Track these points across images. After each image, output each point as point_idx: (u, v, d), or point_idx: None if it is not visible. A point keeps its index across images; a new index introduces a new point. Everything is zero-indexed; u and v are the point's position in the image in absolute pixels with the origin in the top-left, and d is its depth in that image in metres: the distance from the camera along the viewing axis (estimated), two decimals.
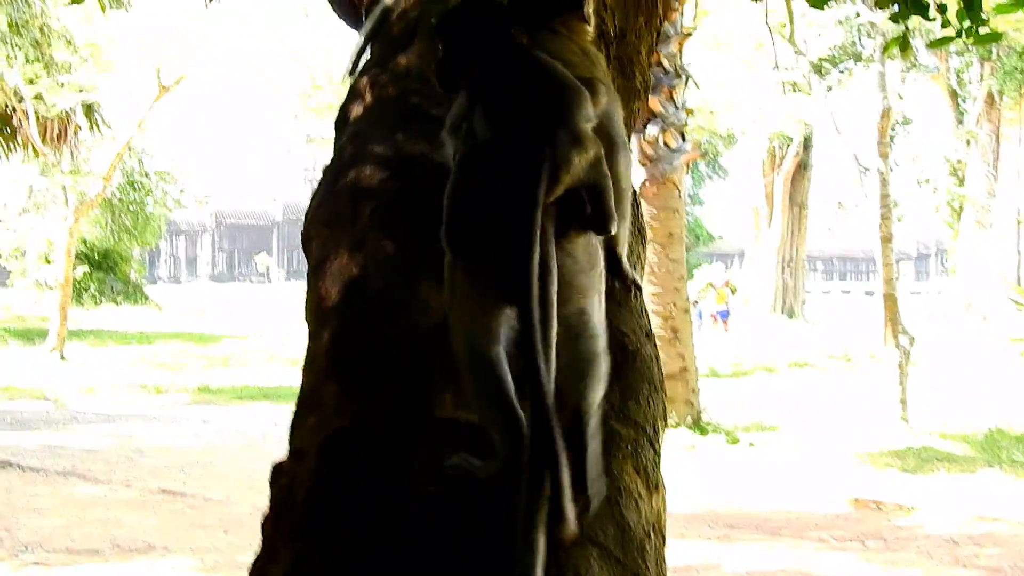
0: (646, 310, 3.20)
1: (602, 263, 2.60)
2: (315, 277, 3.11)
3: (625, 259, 3.02)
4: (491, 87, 2.62)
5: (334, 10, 4.42)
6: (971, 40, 6.18)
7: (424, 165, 2.93)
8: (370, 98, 3.43)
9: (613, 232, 2.59)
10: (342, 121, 3.51)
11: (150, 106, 28.12)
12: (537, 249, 2.33)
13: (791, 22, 20.71)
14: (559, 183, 2.41)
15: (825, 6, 6.05)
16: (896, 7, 6.07)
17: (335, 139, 3.52)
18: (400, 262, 2.93)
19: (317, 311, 3.06)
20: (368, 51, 3.69)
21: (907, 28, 6.34)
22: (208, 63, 29.23)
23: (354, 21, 4.26)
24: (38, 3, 25.85)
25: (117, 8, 9.92)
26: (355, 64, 3.67)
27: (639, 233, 3.36)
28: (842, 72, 38.83)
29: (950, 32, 6.24)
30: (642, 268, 3.38)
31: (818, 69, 32.38)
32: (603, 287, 2.58)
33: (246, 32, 30.58)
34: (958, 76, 41.00)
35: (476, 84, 2.65)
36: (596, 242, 2.57)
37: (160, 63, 27.58)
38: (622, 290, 3.02)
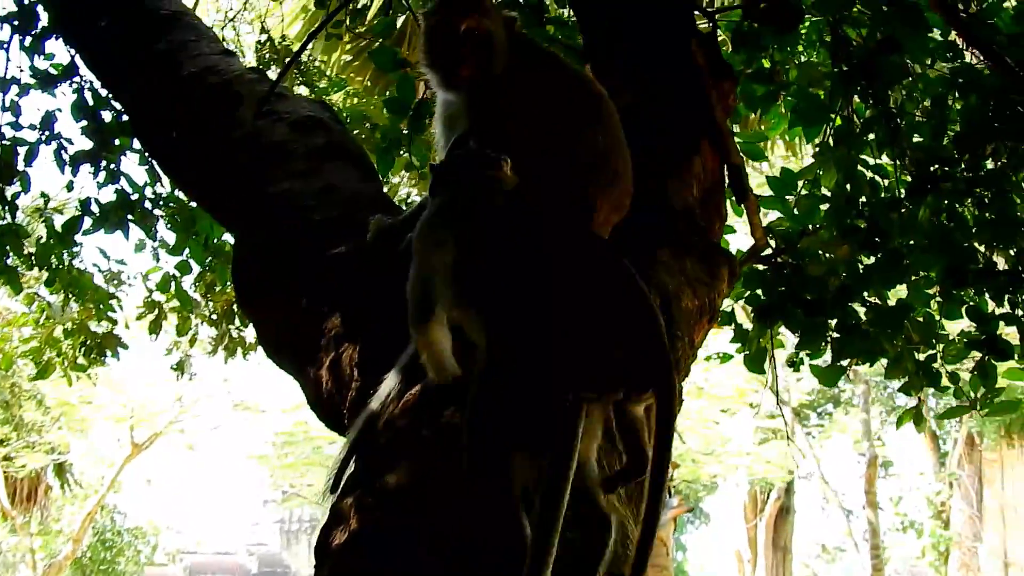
0: None
1: None
2: None
3: None
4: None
5: (314, 412, 4.02)
6: (985, 412, 5.89)
7: None
8: (355, 524, 2.98)
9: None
10: (322, 550, 3.04)
11: (123, 465, 27.65)
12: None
13: (773, 371, 20.59)
14: None
15: (835, 383, 5.76)
16: (907, 378, 5.76)
17: (315, 568, 3.06)
18: None
19: None
20: (352, 464, 3.27)
21: (920, 399, 6.03)
22: (182, 420, 28.97)
23: (335, 424, 3.87)
24: None
25: (87, 374, 9.63)
26: (337, 479, 3.24)
27: None
28: (821, 416, 38.77)
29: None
30: None
31: (797, 414, 32.31)
32: None
33: (221, 391, 30.45)
34: (938, 418, 40.93)
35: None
36: None
37: (134, 422, 27.31)
38: None
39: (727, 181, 4.77)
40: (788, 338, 6.32)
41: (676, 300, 3.96)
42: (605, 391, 2.89)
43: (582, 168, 3.70)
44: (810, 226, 5.56)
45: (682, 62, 4.58)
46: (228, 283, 8.68)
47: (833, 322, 5.48)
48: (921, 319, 5.70)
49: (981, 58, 5.41)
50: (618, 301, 3.01)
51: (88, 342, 8.92)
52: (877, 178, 5.78)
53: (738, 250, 5.35)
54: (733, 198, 4.94)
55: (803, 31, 5.88)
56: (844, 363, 5.59)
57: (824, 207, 5.55)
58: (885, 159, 5.90)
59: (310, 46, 8.16)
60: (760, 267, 5.48)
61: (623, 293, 3.03)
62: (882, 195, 5.66)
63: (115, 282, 8.95)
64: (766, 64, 5.87)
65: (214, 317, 9.41)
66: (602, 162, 3.75)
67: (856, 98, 5.65)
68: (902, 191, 5.61)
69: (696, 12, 5.08)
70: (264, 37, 9.63)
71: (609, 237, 3.80)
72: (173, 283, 7.96)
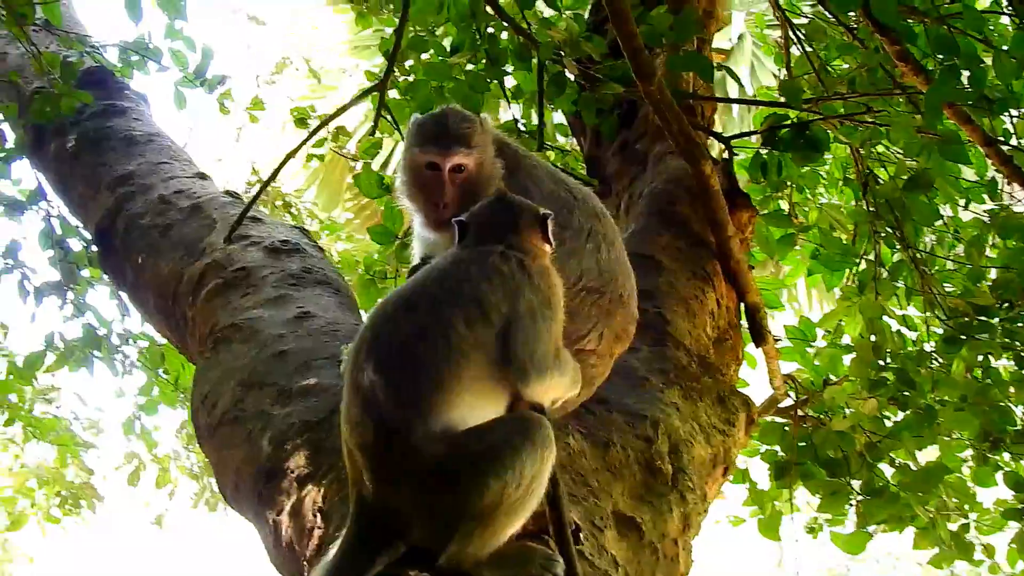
0: None
1: None
2: None
3: None
4: None
5: (272, 563, 3.54)
6: None
7: None
8: None
9: None
10: None
11: None
12: None
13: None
14: None
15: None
16: (937, 549, 5.27)
17: None
18: None
19: None
20: None
21: (952, 573, 5.54)
22: None
23: None
24: None
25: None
26: None
27: None
28: None
29: None
30: None
31: None
32: None
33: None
34: None
35: None
36: None
37: None
38: None
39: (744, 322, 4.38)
40: (800, 500, 5.89)
41: (687, 447, 3.53)
42: None
43: (583, 290, 3.29)
44: (832, 376, 5.13)
45: (698, 186, 4.19)
46: None
47: (857, 484, 4.99)
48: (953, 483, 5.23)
49: None
50: None
51: (63, 492, 8.45)
52: (903, 329, 5.37)
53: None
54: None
55: (824, 169, 5.50)
56: (870, 529, 5.08)
57: (848, 357, 5.12)
58: (911, 309, 5.50)
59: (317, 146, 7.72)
60: (779, 420, 5.02)
61: None
62: (910, 346, 5.23)
63: (93, 430, 8.50)
64: (784, 205, 5.49)
65: (195, 470, 8.92)
66: (605, 284, 3.33)
67: (882, 243, 5.25)
68: (930, 342, 5.19)
69: (710, 138, 4.70)
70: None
71: (611, 372, 3.40)
72: (138, 424, 7.40)
